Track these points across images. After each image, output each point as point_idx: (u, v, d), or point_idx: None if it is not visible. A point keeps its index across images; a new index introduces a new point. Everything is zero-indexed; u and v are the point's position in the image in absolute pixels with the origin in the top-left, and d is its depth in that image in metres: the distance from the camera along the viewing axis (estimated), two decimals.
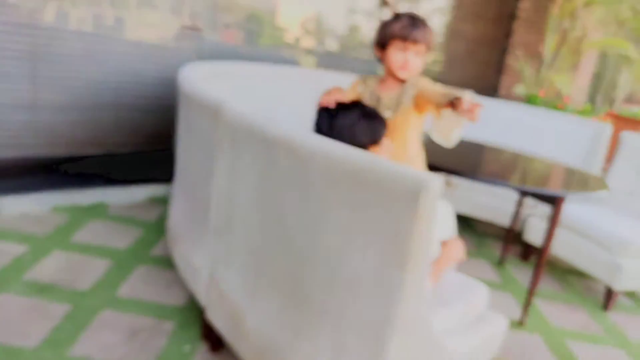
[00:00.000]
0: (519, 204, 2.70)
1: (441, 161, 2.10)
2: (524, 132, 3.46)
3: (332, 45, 5.14)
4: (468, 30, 5.56)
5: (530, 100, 4.28)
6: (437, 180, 0.98)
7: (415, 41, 1.46)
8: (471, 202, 3.08)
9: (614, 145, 4.24)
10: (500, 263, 2.78)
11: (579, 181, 2.35)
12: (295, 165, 1.12)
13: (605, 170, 3.57)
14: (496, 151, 2.77)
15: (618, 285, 2.41)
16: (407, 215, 0.97)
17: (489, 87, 5.46)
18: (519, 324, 2.19)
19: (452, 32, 5.57)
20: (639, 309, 2.60)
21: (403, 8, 5.29)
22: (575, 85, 4.83)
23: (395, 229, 0.99)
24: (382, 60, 1.56)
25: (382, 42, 1.51)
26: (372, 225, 1.02)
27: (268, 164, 1.20)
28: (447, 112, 1.39)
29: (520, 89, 4.41)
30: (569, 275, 2.83)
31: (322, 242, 1.10)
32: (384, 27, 1.49)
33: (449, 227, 1.73)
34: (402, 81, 1.56)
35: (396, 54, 1.48)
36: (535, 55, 4.70)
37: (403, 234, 0.98)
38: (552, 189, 2.03)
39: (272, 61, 3.96)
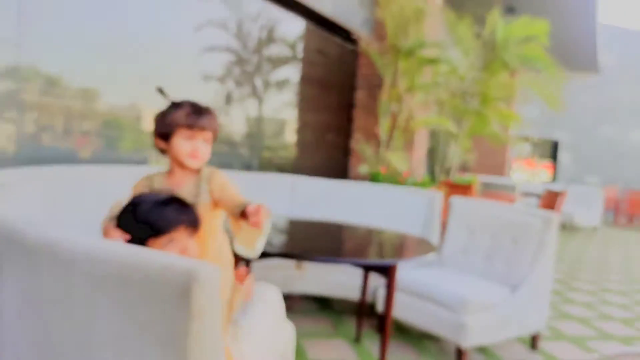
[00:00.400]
0: (365, 277, 2.74)
1: (271, 245, 2.07)
2: (370, 207, 3.63)
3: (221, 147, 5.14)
4: (315, 120, 5.94)
5: (373, 178, 4.57)
6: (212, 269, 0.91)
7: (202, 128, 1.44)
8: (325, 282, 3.07)
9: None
10: (357, 340, 2.75)
11: (411, 248, 2.47)
12: (57, 271, 0.99)
13: (443, 233, 3.85)
14: (340, 228, 2.84)
15: (465, 343, 2.50)
16: (180, 314, 0.87)
17: (340, 170, 5.78)
18: None
19: (302, 123, 5.90)
20: None
21: (250, 106, 5.49)
22: (413, 159, 5.30)
23: (169, 331, 0.88)
24: (166, 152, 1.49)
25: (165, 132, 1.44)
26: (146, 329, 0.90)
27: (30, 274, 1.04)
28: (245, 224, 1.39)
29: (363, 169, 4.71)
30: (424, 340, 2.88)
31: (94, 357, 0.95)
32: (164, 116, 1.44)
33: (277, 312, 1.66)
34: (194, 172, 1.50)
35: (184, 143, 1.43)
36: (373, 137, 5.12)
37: (179, 336, 0.88)
38: (382, 260, 2.09)
39: (133, 163, 3.86)
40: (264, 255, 2.09)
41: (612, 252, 7.60)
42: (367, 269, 2.31)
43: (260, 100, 5.85)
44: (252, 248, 1.39)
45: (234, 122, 5.60)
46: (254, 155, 5.54)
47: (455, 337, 2.52)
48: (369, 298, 2.95)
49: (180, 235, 1.26)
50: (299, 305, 3.23)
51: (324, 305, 3.33)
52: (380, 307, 2.87)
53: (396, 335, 2.93)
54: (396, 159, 4.60)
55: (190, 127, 1.42)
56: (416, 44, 4.79)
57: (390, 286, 2.17)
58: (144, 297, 0.90)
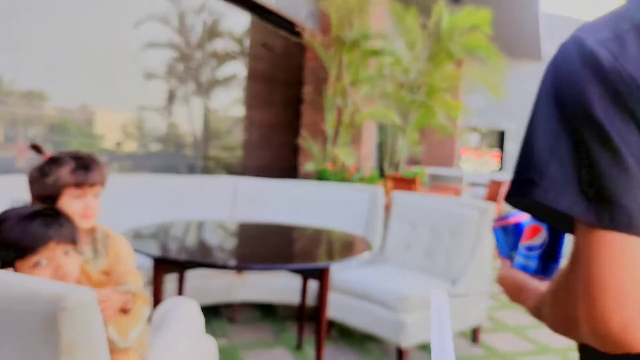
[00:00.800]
0: (304, 281, 2.66)
1: (189, 252, 1.96)
2: (313, 206, 3.55)
3: (154, 146, 5.00)
4: (263, 117, 5.80)
5: (321, 175, 4.49)
6: (85, 294, 0.79)
7: (92, 184, 1.31)
8: (267, 287, 2.97)
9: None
10: (298, 347, 2.67)
11: (348, 247, 2.40)
12: None
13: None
14: (278, 231, 2.74)
15: (405, 342, 2.45)
16: (46, 349, 0.75)
17: (289, 168, 5.67)
18: None
19: (249, 120, 5.76)
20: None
21: (194, 104, 5.31)
22: (361, 154, 5.25)
23: None
24: None
25: (49, 194, 1.27)
26: None
27: None
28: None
29: (310, 166, 4.63)
30: (367, 342, 2.83)
31: None
32: (45, 176, 1.27)
33: (195, 328, 1.55)
34: (86, 232, 1.36)
35: (73, 204, 1.28)
36: (321, 134, 5.03)
37: None
38: (313, 263, 2.01)
39: None
40: (182, 264, 1.98)
41: None
42: (300, 273, 2.23)
43: (205, 98, 5.68)
44: (124, 337, 1.25)
45: (178, 122, 5.42)
46: (199, 157, 5.36)
47: (395, 337, 2.47)
48: (311, 302, 2.87)
49: (52, 254, 1.12)
50: (240, 314, 3.11)
51: (267, 312, 3.23)
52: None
53: (339, 339, 2.86)
54: (343, 155, 4.54)
55: (79, 185, 1.28)
56: (360, 36, 4.72)
57: (323, 290, 2.09)
58: (4, 331, 0.77)
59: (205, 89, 5.57)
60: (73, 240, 1.16)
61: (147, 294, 1.36)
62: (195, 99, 5.52)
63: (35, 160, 1.28)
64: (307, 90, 5.65)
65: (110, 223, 2.66)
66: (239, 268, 1.80)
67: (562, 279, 0.54)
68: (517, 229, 0.74)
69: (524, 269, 0.67)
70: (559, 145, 0.51)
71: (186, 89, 5.41)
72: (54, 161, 1.28)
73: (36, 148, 1.30)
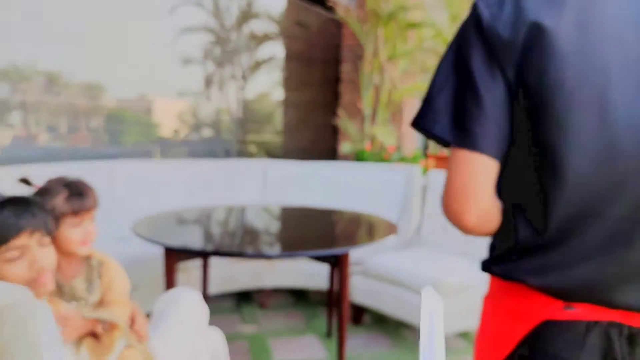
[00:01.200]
0: (331, 265, 2.53)
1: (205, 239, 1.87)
2: (345, 189, 3.40)
3: (205, 132, 5.11)
4: (300, 99, 5.69)
5: (358, 156, 4.32)
6: (21, 293, 0.71)
7: (89, 209, 1.26)
8: (297, 273, 2.87)
9: None
10: (328, 334, 2.55)
11: (371, 231, 2.25)
12: None
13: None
14: (303, 214, 2.63)
15: None
16: None
17: (328, 150, 5.53)
18: None
19: (287, 102, 5.67)
20: (471, 348, 2.48)
21: (232, 87, 5.28)
22: (403, 133, 5.02)
23: None
24: None
25: None
26: None
27: None
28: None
29: (346, 147, 4.46)
30: (401, 330, 2.67)
31: None
32: None
33: (196, 320, 1.46)
34: (81, 259, 1.30)
35: (73, 232, 1.23)
36: (359, 113, 4.85)
37: None
38: (331, 249, 1.87)
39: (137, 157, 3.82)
40: (186, 252, 1.89)
41: None
42: (317, 259, 2.10)
43: (242, 81, 5.62)
44: None
45: (215, 105, 5.41)
46: (237, 141, 5.33)
47: None
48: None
49: (25, 246, 1.04)
50: (271, 300, 3.04)
51: (300, 298, 3.13)
52: (355, 296, 2.67)
53: (372, 325, 2.72)
54: (381, 134, 4.34)
55: (76, 213, 1.23)
56: (397, 8, 4.47)
57: (343, 276, 1.96)
58: None
59: (243, 72, 5.50)
60: (47, 230, 1.09)
61: (125, 326, 1.28)
62: (232, 82, 5.48)
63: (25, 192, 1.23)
64: (345, 69, 5.46)
65: (137, 209, 2.65)
66: (247, 255, 1.70)
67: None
68: None
69: None
70: (446, 85, 0.66)
71: (223, 72, 5.37)
72: (46, 192, 1.22)
73: (25, 181, 1.25)
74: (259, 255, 1.69)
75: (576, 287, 0.63)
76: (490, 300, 0.76)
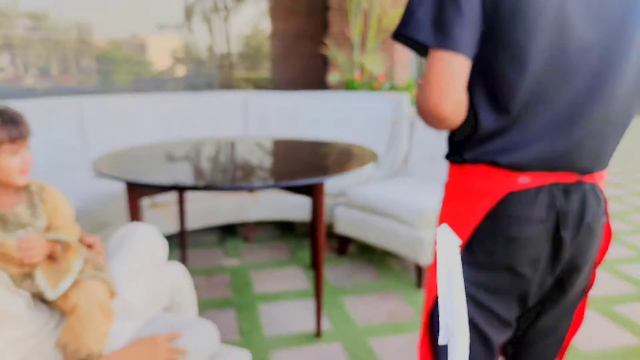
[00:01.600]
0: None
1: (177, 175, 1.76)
2: (334, 119, 3.26)
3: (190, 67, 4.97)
4: (286, 28, 5.42)
5: (348, 86, 4.14)
6: None
7: (25, 137, 1.17)
8: (280, 205, 2.80)
9: None
10: (312, 265, 2.51)
11: (348, 160, 2.14)
12: None
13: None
14: (281, 146, 2.51)
15: (424, 259, 2.23)
16: None
17: (318, 81, 5.32)
18: (315, 335, 1.90)
19: (273, 34, 5.41)
20: None
21: (215, 18, 5.01)
22: (395, 62, 4.81)
23: None
24: None
25: None
26: None
27: None
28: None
29: (334, 77, 4.27)
30: (387, 259, 2.63)
31: None
32: None
33: (151, 255, 1.38)
34: (20, 189, 1.22)
35: (11, 160, 1.15)
36: (347, 42, 4.61)
37: None
38: (300, 179, 1.76)
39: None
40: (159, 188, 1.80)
41: None
42: (290, 190, 1.99)
43: (226, 11, 5.33)
44: (53, 286, 1.13)
45: (198, 38, 5.16)
46: (222, 75, 5.13)
47: (413, 255, 2.25)
48: (325, 220, 2.68)
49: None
50: (256, 234, 2.99)
51: (285, 230, 3.08)
52: (339, 227, 2.60)
53: (358, 255, 2.68)
54: (369, 62, 4.13)
55: (14, 140, 1.14)
56: None
57: (316, 207, 1.86)
58: None
59: (225, 3, 5.22)
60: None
61: (81, 247, 1.22)
62: (215, 13, 5.20)
63: None
64: None
65: (113, 145, 2.53)
66: (206, 188, 1.59)
67: (418, 86, 0.80)
68: None
69: None
70: None
71: (204, 3, 5.10)
72: None
73: None
74: (214, 188, 1.58)
75: (532, 160, 0.79)
76: (453, 185, 0.89)
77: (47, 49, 3.47)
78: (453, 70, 0.74)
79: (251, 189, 2.46)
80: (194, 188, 1.65)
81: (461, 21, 0.73)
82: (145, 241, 1.37)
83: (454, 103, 0.75)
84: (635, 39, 0.79)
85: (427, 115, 0.77)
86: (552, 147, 0.79)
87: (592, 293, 1.22)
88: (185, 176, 1.85)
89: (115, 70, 4.00)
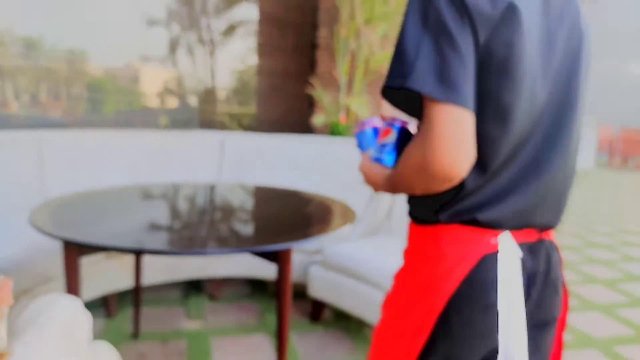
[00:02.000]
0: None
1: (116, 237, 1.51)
2: (314, 165, 3.05)
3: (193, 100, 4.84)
4: (273, 65, 5.29)
5: (333, 129, 3.96)
6: None
7: None
8: (249, 262, 2.54)
9: None
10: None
11: (324, 219, 1.91)
12: None
13: None
14: (246, 197, 2.29)
15: None
16: None
17: (303, 122, 5.15)
18: None
19: (259, 70, 5.28)
20: None
21: (200, 53, 4.87)
22: (383, 105, 4.66)
23: None
24: None
25: None
26: None
27: None
28: None
29: (319, 119, 4.10)
30: (365, 329, 2.37)
31: None
32: None
33: (70, 336, 1.12)
34: None
35: None
36: (335, 82, 4.46)
37: None
38: (269, 245, 1.54)
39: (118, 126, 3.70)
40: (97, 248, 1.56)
41: (602, 197, 7.26)
42: (255, 254, 1.76)
43: (211, 45, 5.19)
44: None
45: (183, 73, 5.00)
46: (202, 111, 4.93)
47: None
48: (298, 278, 2.44)
49: None
50: (224, 291, 2.72)
51: (256, 289, 2.81)
52: (313, 290, 2.35)
53: (332, 323, 2.42)
54: (355, 105, 3.97)
55: None
56: None
57: (282, 276, 1.63)
58: None
59: (211, 37, 5.09)
60: None
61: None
62: (200, 47, 5.07)
63: None
64: (322, 34, 5.03)
65: (72, 186, 2.29)
66: (152, 252, 1.35)
67: (413, 144, 0.74)
68: (374, 132, 0.93)
69: (378, 160, 0.87)
70: (423, 45, 0.71)
71: (190, 35, 4.97)
72: None
73: None
74: (159, 252, 1.35)
75: (510, 214, 0.78)
76: (422, 250, 0.83)
77: (37, 76, 3.38)
78: (465, 128, 0.69)
79: (205, 254, 2.21)
80: (137, 252, 1.40)
81: (465, 74, 0.70)
82: (63, 317, 1.12)
83: (470, 163, 0.71)
84: (580, 99, 0.82)
85: (435, 175, 0.71)
86: (525, 200, 0.79)
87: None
88: (133, 233, 1.60)
89: (106, 100, 3.88)
